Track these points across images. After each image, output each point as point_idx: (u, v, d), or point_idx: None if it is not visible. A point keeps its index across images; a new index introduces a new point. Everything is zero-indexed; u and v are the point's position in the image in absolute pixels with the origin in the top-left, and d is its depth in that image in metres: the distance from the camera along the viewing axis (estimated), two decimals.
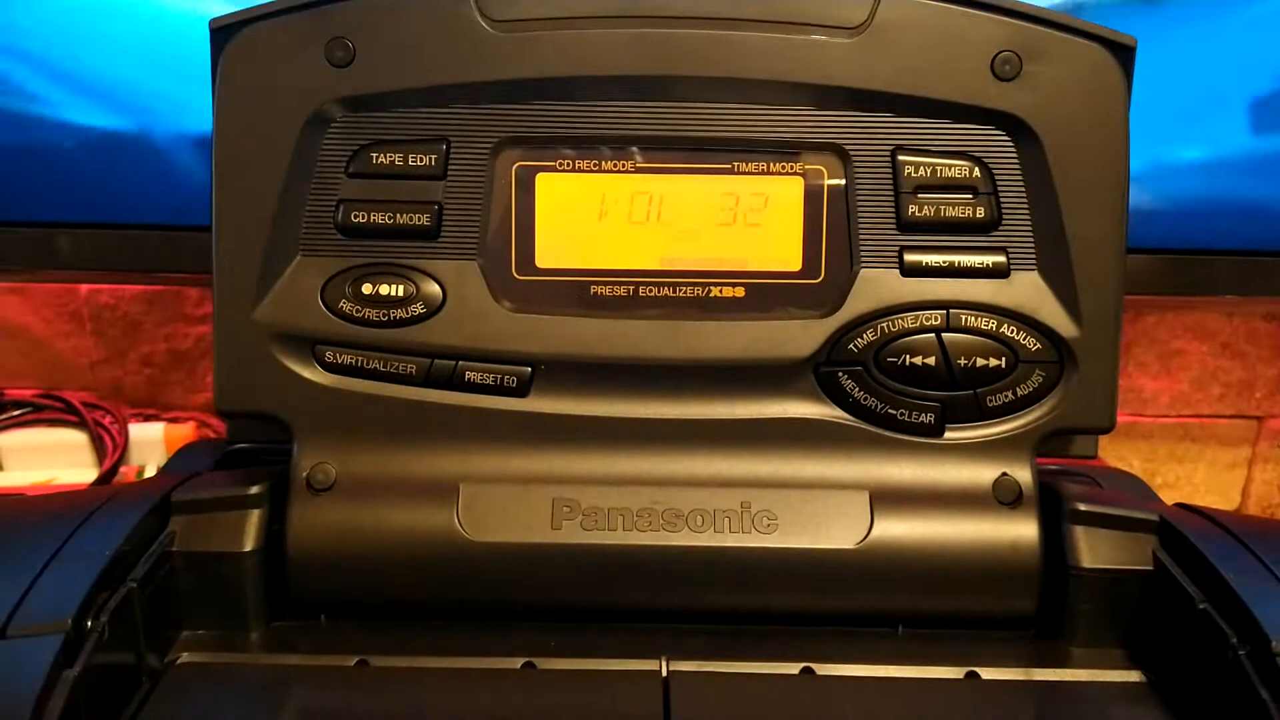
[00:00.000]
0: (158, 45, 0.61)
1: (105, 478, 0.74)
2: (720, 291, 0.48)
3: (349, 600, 0.47)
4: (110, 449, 0.75)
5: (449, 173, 0.47)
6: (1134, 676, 0.44)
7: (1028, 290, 0.47)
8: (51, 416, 0.78)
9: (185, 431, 0.78)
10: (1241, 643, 0.39)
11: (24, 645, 0.37)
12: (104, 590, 0.40)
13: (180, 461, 0.56)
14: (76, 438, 0.77)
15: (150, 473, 0.75)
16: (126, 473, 0.75)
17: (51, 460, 0.76)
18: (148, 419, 0.81)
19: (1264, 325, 0.80)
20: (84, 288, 0.79)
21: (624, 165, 0.48)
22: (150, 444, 0.77)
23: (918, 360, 0.47)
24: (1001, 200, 0.47)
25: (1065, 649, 0.46)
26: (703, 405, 0.48)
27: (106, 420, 0.78)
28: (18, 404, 0.78)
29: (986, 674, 0.44)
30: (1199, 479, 0.84)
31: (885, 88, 0.46)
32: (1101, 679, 0.44)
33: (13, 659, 0.36)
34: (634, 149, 0.47)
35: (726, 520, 0.47)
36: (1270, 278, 0.67)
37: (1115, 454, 0.82)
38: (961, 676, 0.44)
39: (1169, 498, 0.60)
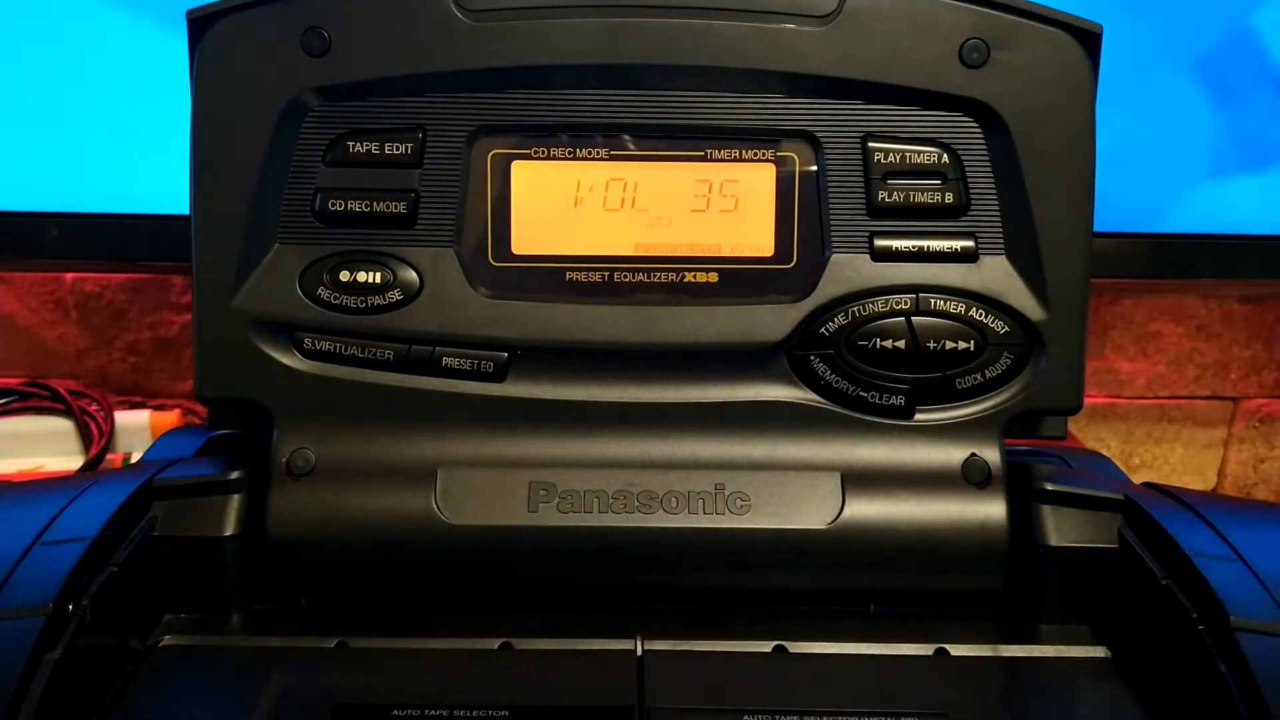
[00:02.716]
0: None
1: (91, 465, 0.74)
2: (694, 277, 0.49)
3: (329, 583, 0.48)
4: (96, 436, 0.76)
5: (425, 161, 0.48)
6: (1099, 652, 0.45)
7: (996, 274, 0.48)
8: (37, 404, 0.78)
9: (171, 418, 0.79)
10: (1201, 618, 0.40)
11: (6, 627, 0.37)
12: (86, 574, 0.41)
13: (162, 448, 0.56)
14: (62, 425, 0.77)
15: (136, 460, 0.75)
16: (112, 460, 0.76)
17: (38, 448, 0.76)
18: (133, 406, 0.82)
19: (1239, 307, 0.81)
20: (69, 276, 0.79)
21: (598, 153, 0.48)
22: (136, 431, 0.78)
23: (888, 343, 0.48)
24: (970, 186, 0.48)
25: (1032, 626, 0.47)
26: (677, 389, 0.49)
27: (92, 408, 0.78)
28: (4, 392, 0.78)
29: (955, 651, 0.45)
30: (1175, 459, 0.85)
31: (855, 75, 0.47)
32: (1067, 655, 0.45)
33: None
34: (608, 136, 0.48)
35: (700, 502, 0.47)
36: (1245, 261, 0.68)
37: (1093, 435, 0.83)
38: (931, 653, 0.45)
39: (1146, 478, 0.61)
